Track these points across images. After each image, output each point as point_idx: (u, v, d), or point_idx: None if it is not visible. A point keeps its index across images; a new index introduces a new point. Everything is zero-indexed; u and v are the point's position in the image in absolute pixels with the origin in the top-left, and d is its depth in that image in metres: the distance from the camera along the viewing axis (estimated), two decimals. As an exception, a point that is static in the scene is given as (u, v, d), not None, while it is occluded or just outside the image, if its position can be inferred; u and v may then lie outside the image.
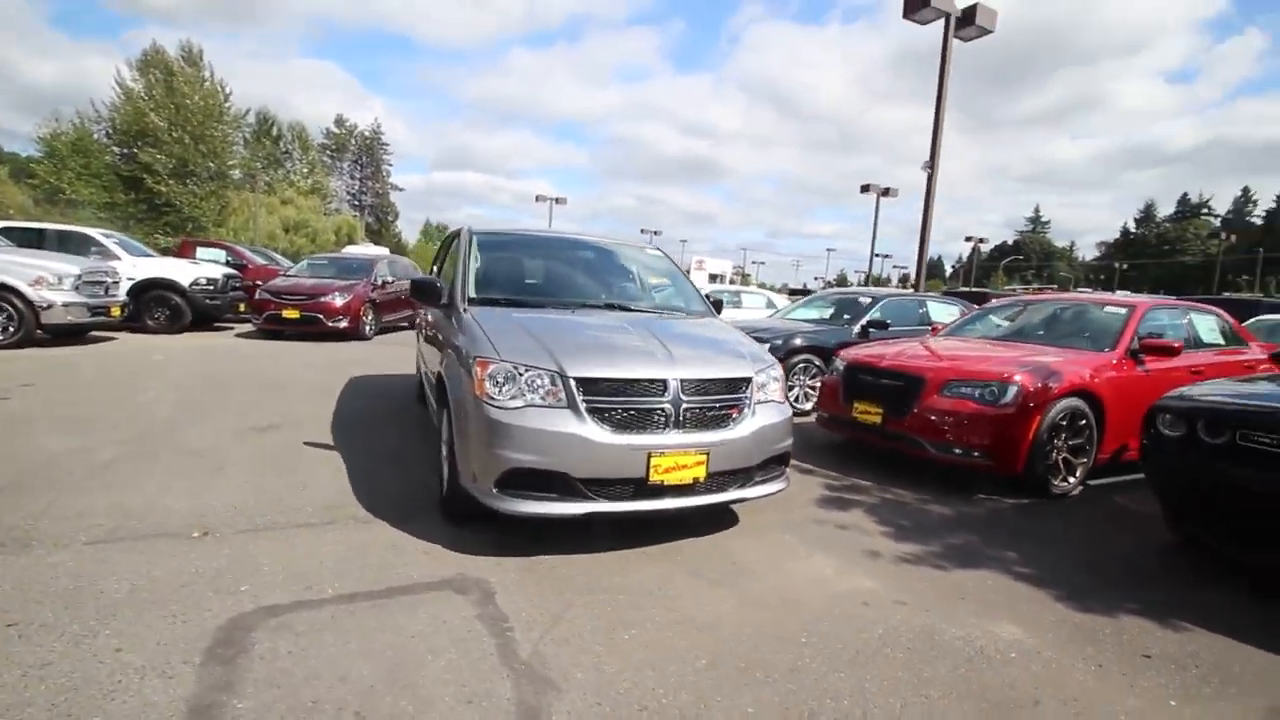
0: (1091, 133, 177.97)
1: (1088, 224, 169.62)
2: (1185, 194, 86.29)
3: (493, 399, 2.93)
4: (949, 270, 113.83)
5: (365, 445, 4.71)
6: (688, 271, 5.03)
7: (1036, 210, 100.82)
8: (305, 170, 57.76)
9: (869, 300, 7.80)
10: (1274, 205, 76.81)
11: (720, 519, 3.60)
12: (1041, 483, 4.41)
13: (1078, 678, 2.28)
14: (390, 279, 12.86)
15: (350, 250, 22.19)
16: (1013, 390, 4.34)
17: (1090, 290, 34.76)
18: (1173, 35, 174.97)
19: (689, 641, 2.38)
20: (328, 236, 43.98)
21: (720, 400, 3.16)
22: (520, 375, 2.95)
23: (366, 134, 77.38)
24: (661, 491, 2.98)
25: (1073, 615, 2.75)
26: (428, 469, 4.22)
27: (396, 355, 9.94)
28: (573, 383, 2.91)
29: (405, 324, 14.31)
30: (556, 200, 34.71)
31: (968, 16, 11.52)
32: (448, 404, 3.27)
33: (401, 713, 1.88)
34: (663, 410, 3.00)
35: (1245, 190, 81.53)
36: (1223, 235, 56.16)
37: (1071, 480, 4.54)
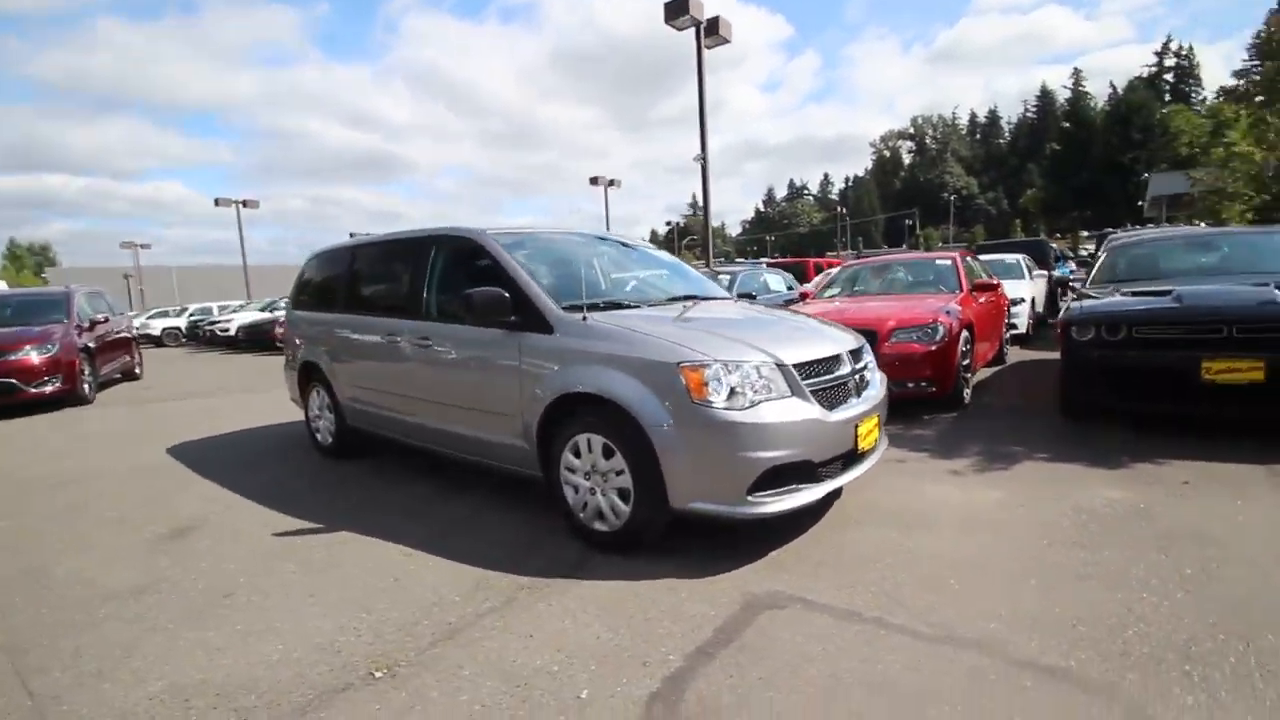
0: (717, 130, 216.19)
1: (730, 206, 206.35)
2: (791, 179, 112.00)
3: (713, 403, 2.71)
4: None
5: (356, 516, 3.68)
6: None
7: (694, 197, 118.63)
8: None
9: (728, 277, 8.67)
10: (844, 185, 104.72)
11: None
12: (959, 397, 5.69)
13: (1188, 506, 3.22)
14: (99, 316, 9.44)
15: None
16: (941, 329, 5.48)
17: (743, 259, 43.96)
18: (761, 52, 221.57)
19: (993, 575, 2.63)
20: None
21: (864, 366, 3.42)
22: (732, 373, 2.78)
23: None
24: (862, 458, 3.14)
25: (1116, 474, 3.76)
26: (488, 514, 3.56)
27: (167, 415, 7.53)
28: (792, 370, 2.87)
29: (120, 375, 10.71)
30: (244, 203, 28.35)
31: (712, 27, 13.20)
32: (620, 427, 2.86)
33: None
34: (848, 382, 3.15)
35: (826, 175, 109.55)
36: (839, 209, 73.50)
37: (969, 391, 5.94)
